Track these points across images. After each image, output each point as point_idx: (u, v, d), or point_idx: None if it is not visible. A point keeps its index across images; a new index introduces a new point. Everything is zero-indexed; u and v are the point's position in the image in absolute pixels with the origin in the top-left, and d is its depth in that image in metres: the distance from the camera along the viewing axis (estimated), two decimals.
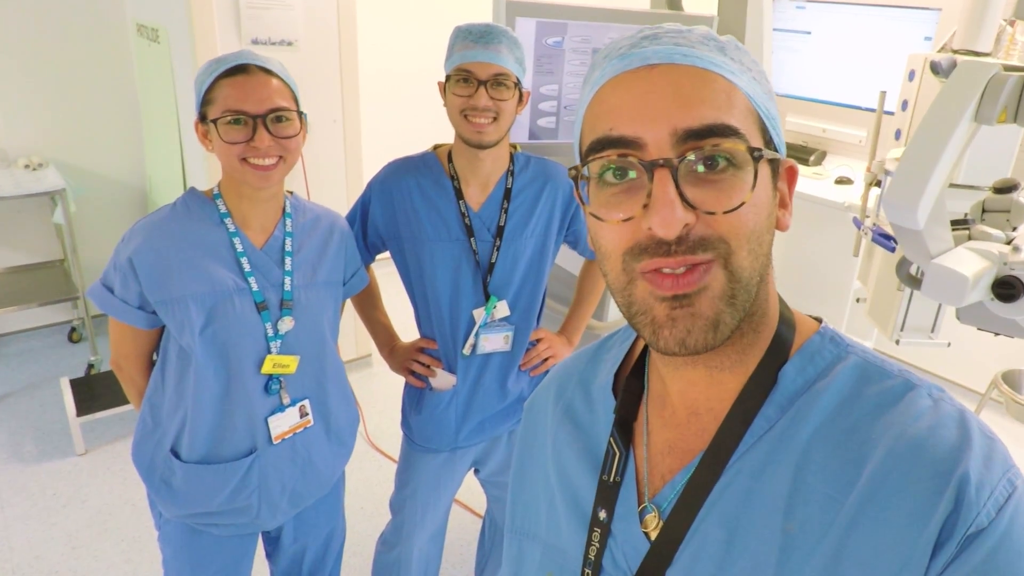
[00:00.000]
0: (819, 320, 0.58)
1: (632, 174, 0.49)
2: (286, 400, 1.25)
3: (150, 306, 1.15)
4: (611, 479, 0.58)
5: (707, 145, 0.47)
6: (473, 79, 1.25)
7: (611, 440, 0.60)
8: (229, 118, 1.09)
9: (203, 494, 1.22)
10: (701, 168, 0.48)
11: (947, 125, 0.98)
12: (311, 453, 1.30)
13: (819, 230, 2.25)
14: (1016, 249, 1.01)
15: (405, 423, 1.54)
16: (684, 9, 2.39)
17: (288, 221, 1.24)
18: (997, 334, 1.08)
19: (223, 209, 1.18)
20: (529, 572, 0.65)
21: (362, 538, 2.17)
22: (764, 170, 0.50)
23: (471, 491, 2.29)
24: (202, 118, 1.14)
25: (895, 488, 0.46)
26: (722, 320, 0.49)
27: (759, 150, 0.48)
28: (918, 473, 0.45)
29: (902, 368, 0.52)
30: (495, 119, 1.27)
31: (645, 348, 0.63)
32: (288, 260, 1.22)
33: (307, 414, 1.28)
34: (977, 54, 1.49)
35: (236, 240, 1.18)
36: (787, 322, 0.56)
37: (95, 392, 2.68)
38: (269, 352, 1.20)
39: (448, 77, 1.30)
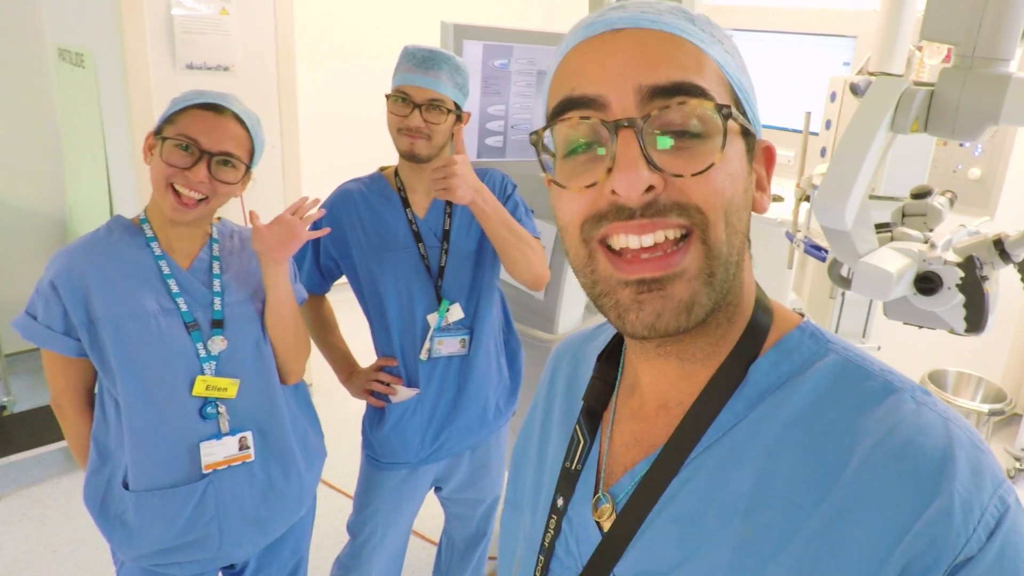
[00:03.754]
0: (802, 315, 0.54)
1: (600, 150, 0.46)
2: (224, 428, 1.19)
3: (75, 331, 1.11)
4: (572, 466, 0.56)
5: (674, 102, 0.44)
6: (410, 101, 1.30)
7: (576, 427, 0.58)
8: (180, 142, 1.09)
9: (158, 526, 1.16)
10: (669, 141, 0.45)
11: (867, 134, 1.05)
12: (270, 476, 1.25)
13: (754, 246, 2.35)
14: (933, 247, 1.08)
15: (366, 442, 1.52)
16: None
17: (215, 246, 1.23)
18: (921, 327, 1.15)
19: (149, 233, 1.17)
20: (515, 549, 0.64)
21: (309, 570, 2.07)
22: (736, 139, 0.47)
23: (423, 518, 2.23)
24: (156, 131, 1.14)
25: (868, 502, 0.42)
26: (697, 301, 0.45)
27: (727, 107, 0.45)
28: (895, 487, 0.42)
29: (884, 368, 0.48)
30: (428, 138, 1.32)
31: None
32: (216, 281, 1.21)
33: (248, 447, 1.22)
34: (891, 76, 1.61)
35: (162, 263, 1.16)
36: (764, 310, 0.52)
37: (9, 435, 2.50)
38: (202, 373, 1.16)
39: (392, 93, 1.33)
